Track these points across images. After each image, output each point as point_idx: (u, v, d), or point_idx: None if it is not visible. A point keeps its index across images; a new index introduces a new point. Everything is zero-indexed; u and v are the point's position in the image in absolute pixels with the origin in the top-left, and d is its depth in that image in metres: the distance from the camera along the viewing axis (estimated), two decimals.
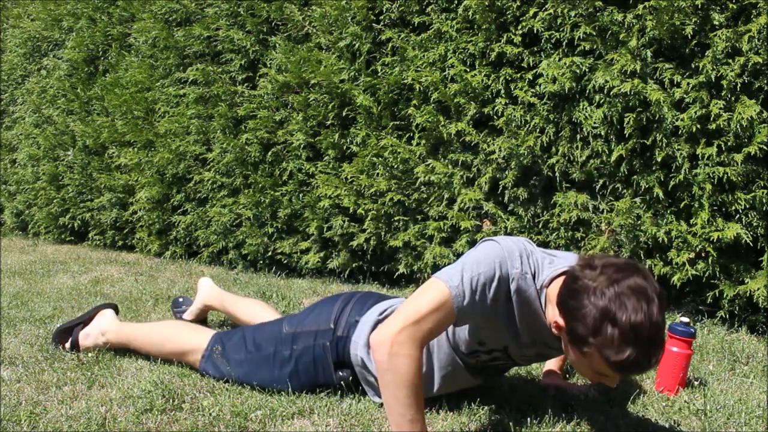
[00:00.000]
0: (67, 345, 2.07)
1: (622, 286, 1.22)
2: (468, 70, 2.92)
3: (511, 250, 1.38)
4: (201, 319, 2.40)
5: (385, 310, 1.65)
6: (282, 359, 1.68)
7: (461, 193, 2.95)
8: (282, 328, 1.73)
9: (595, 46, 2.64)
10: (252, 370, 1.72)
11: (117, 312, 2.16)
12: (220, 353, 1.78)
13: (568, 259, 1.42)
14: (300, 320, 1.73)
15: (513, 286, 1.37)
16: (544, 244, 2.82)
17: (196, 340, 1.86)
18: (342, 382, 1.66)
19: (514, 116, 2.78)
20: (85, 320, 2.11)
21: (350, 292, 1.76)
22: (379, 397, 1.60)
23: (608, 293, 1.21)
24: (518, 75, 2.83)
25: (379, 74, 3.19)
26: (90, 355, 2.01)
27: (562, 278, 1.36)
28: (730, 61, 2.41)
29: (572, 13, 2.65)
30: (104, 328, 2.05)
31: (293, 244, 3.59)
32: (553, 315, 1.35)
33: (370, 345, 1.55)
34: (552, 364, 1.83)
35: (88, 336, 2.06)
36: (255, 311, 2.15)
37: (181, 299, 2.50)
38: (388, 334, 1.29)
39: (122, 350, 2.06)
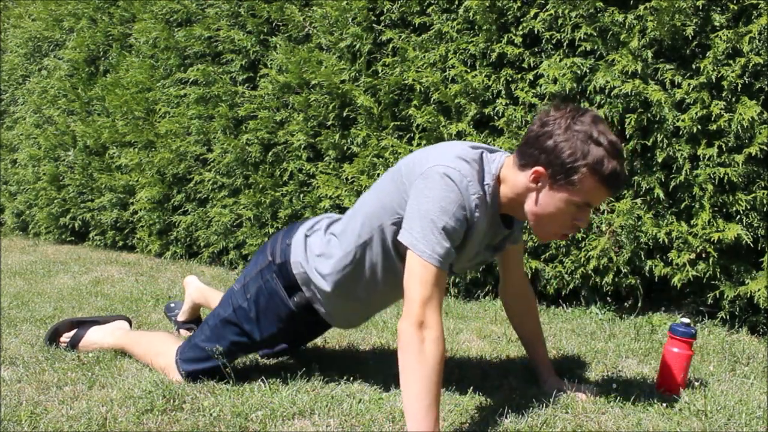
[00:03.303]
0: (68, 335, 2.10)
1: (587, 116, 1.41)
2: (469, 70, 2.92)
3: (463, 176, 1.42)
4: (194, 317, 2.41)
5: (312, 226, 1.75)
6: (244, 312, 1.74)
7: None
8: (232, 288, 1.81)
9: (595, 47, 2.64)
10: (221, 335, 1.75)
11: (131, 325, 2.20)
12: (188, 345, 1.81)
13: (489, 147, 1.56)
14: (243, 273, 1.82)
15: (474, 209, 1.44)
16: (545, 245, 2.82)
17: (167, 348, 1.86)
18: (300, 307, 1.72)
19: (515, 117, 2.78)
20: (101, 322, 2.15)
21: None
22: (325, 308, 1.72)
23: (582, 122, 1.39)
24: (519, 76, 2.83)
25: (380, 75, 3.19)
26: (90, 355, 2.01)
27: (509, 157, 1.51)
28: (731, 61, 2.41)
29: (573, 14, 2.65)
30: (117, 329, 2.11)
31: None
32: (520, 178, 1.46)
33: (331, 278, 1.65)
34: (542, 361, 1.82)
35: (97, 332, 2.10)
36: None
37: (172, 304, 2.52)
38: (414, 319, 1.33)
39: (123, 351, 2.06)
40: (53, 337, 2.10)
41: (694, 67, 2.50)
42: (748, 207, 2.43)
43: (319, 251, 1.67)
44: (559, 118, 1.41)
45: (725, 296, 2.50)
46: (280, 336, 1.78)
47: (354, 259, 1.61)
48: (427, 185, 1.42)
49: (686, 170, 2.50)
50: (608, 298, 2.80)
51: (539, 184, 1.44)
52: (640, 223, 2.59)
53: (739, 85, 2.40)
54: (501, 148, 2.78)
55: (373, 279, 1.63)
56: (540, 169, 1.42)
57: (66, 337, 2.10)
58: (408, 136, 3.14)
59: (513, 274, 1.81)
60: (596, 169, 1.38)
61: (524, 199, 1.47)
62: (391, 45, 3.17)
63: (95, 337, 2.08)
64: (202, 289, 2.34)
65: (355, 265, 1.61)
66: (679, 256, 2.53)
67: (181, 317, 2.40)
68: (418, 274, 1.37)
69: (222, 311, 1.79)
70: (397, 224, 1.51)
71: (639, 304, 2.71)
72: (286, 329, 1.76)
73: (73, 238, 5.22)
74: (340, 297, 1.68)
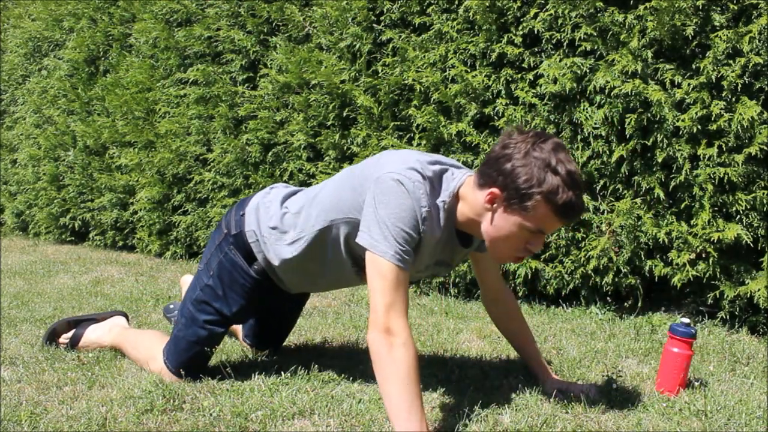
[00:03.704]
0: (67, 336, 2.09)
1: (548, 143, 1.41)
2: (469, 70, 2.92)
3: (416, 187, 1.44)
4: None
5: (267, 194, 1.78)
6: (211, 289, 1.76)
7: None
8: (198, 270, 1.84)
9: (595, 47, 2.64)
10: (195, 318, 1.76)
11: (128, 320, 2.20)
12: (170, 340, 1.83)
13: (455, 164, 1.58)
14: (204, 253, 1.85)
15: (423, 222, 1.46)
16: (545, 245, 2.82)
17: (158, 352, 1.86)
18: (262, 274, 1.75)
19: (515, 117, 2.78)
20: (98, 319, 2.15)
21: None
22: (276, 275, 1.76)
23: (542, 149, 1.39)
24: (519, 75, 2.83)
25: (380, 75, 3.19)
26: (90, 355, 2.01)
27: (471, 176, 1.52)
28: (731, 61, 2.41)
29: (573, 14, 2.65)
30: (114, 326, 2.11)
31: None
32: (478, 198, 1.47)
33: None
34: (538, 363, 1.82)
35: (95, 330, 2.09)
36: None
37: (171, 305, 2.52)
38: (380, 328, 1.36)
39: (120, 351, 2.06)
40: (51, 338, 2.10)
41: (694, 67, 2.50)
42: (748, 207, 2.43)
43: (273, 224, 1.70)
44: (521, 142, 1.42)
45: (725, 296, 2.50)
46: (251, 307, 1.81)
47: (304, 244, 1.64)
48: (383, 191, 1.44)
49: (686, 170, 2.50)
50: (608, 298, 2.80)
51: (494, 205, 1.45)
52: (640, 222, 2.59)
53: (739, 85, 2.40)
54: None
55: (320, 265, 1.68)
56: (495, 190, 1.43)
57: (65, 338, 2.10)
58: (408, 136, 3.14)
59: (487, 279, 1.82)
60: (550, 198, 1.38)
61: (481, 218, 1.49)
62: (391, 45, 3.17)
63: (94, 335, 2.08)
64: None
65: (304, 249, 1.65)
66: (679, 256, 2.53)
67: None
68: (380, 277, 1.39)
69: (191, 294, 1.80)
70: (349, 223, 1.55)
71: (639, 304, 2.71)
72: (252, 298, 1.78)
73: (73, 238, 5.21)
74: (288, 272, 1.73)
